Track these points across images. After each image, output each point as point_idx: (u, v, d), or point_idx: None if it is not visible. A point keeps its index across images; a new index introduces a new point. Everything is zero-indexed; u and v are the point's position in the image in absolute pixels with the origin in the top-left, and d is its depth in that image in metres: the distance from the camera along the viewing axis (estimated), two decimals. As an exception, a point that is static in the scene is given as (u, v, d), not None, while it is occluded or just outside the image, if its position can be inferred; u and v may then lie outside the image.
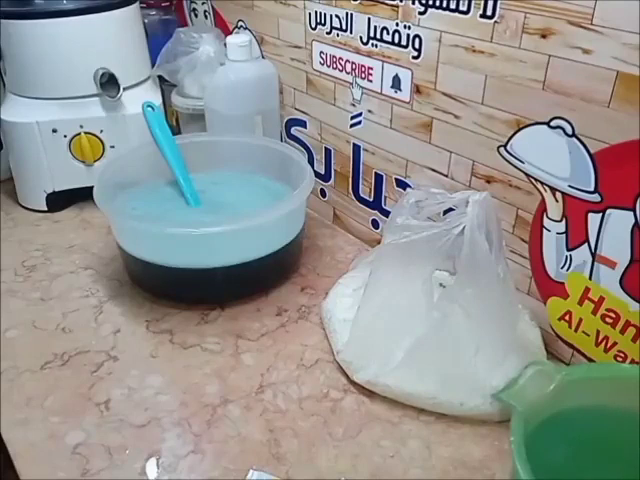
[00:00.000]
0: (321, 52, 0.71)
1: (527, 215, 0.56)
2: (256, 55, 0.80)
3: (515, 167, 0.55)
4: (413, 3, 0.58)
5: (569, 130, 0.49)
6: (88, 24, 0.76)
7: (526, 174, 0.54)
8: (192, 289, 0.65)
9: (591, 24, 0.45)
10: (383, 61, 0.64)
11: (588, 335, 0.55)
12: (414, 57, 0.60)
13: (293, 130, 0.82)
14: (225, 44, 0.75)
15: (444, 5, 0.55)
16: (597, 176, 0.49)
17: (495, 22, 0.52)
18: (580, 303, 0.54)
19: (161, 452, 0.49)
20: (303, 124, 0.80)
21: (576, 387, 0.44)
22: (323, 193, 0.82)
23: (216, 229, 0.59)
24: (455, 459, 0.49)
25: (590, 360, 0.55)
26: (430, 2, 0.56)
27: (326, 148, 0.78)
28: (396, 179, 0.69)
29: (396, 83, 0.64)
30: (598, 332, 0.54)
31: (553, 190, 0.52)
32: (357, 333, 0.56)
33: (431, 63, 0.59)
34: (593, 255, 0.51)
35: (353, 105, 0.70)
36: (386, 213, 0.72)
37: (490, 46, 0.53)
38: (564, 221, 0.53)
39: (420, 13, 0.58)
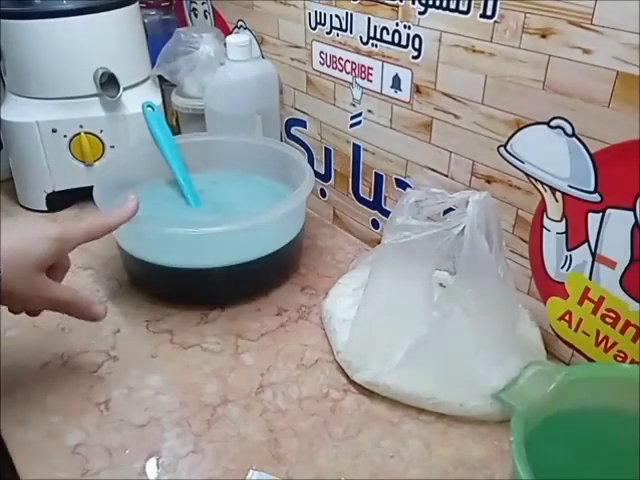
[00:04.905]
0: (321, 52, 0.71)
1: (527, 215, 0.56)
2: (256, 55, 0.80)
3: (515, 167, 0.55)
4: (413, 3, 0.58)
5: (569, 130, 0.49)
6: (88, 24, 0.76)
7: (526, 174, 0.54)
8: (192, 289, 0.65)
9: (591, 24, 0.45)
10: (383, 61, 0.64)
11: (588, 335, 0.55)
12: (414, 57, 0.60)
13: (293, 130, 0.82)
14: (225, 44, 0.75)
15: (444, 5, 0.55)
16: (597, 176, 0.49)
17: (495, 22, 0.52)
18: (580, 303, 0.54)
19: (161, 452, 0.49)
20: (303, 124, 0.80)
21: (576, 387, 0.44)
22: (323, 193, 0.82)
23: (216, 229, 0.59)
24: (455, 459, 0.49)
25: (590, 360, 0.55)
26: (430, 2, 0.56)
27: (326, 148, 0.78)
28: (396, 179, 0.69)
29: (396, 83, 0.64)
30: (598, 332, 0.54)
31: (553, 190, 0.52)
32: (357, 333, 0.56)
33: (431, 63, 0.59)
34: (593, 255, 0.51)
35: (353, 105, 0.70)
36: (386, 213, 0.72)
37: (490, 46, 0.53)
38: (564, 221, 0.53)
39: (420, 13, 0.58)
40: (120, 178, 0.70)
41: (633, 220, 0.47)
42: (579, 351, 0.56)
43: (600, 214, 0.50)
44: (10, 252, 0.45)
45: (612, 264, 0.50)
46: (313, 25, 0.70)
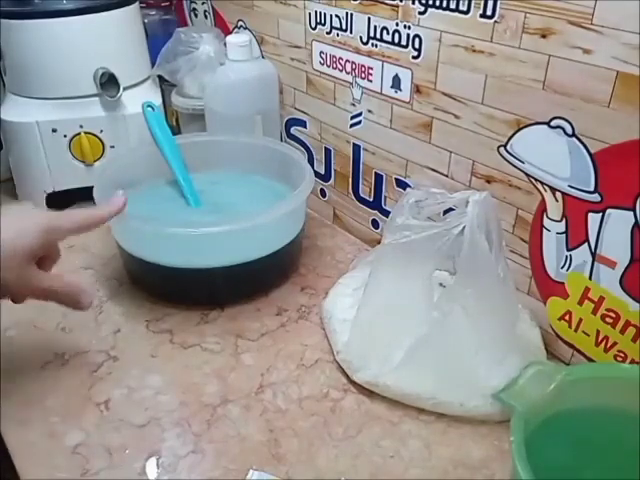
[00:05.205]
0: (321, 52, 0.71)
1: (527, 215, 0.56)
2: (256, 55, 0.80)
3: (515, 167, 0.55)
4: (413, 3, 0.58)
5: (569, 130, 0.49)
6: (88, 24, 0.76)
7: (526, 174, 0.54)
8: (192, 289, 0.65)
9: (591, 24, 0.45)
10: (383, 61, 0.64)
11: (588, 335, 0.55)
12: (414, 57, 0.60)
13: (293, 130, 0.82)
14: (225, 44, 0.75)
15: (444, 5, 0.55)
16: (597, 176, 0.49)
17: (495, 22, 0.52)
18: (580, 303, 0.54)
19: (161, 452, 0.49)
20: (303, 124, 0.80)
21: (576, 387, 0.44)
22: (323, 193, 0.82)
23: (216, 229, 0.59)
24: (455, 459, 0.49)
25: (590, 360, 0.55)
26: (430, 2, 0.56)
27: (326, 148, 0.78)
28: (396, 179, 0.69)
29: (396, 83, 0.64)
30: (598, 332, 0.54)
31: (553, 190, 0.52)
32: (357, 333, 0.56)
33: (431, 63, 0.59)
34: (593, 255, 0.51)
35: (353, 105, 0.70)
36: (386, 213, 0.72)
37: (490, 46, 0.53)
38: (564, 221, 0.53)
39: (420, 13, 0.58)
40: (120, 178, 0.70)
41: (633, 220, 0.47)
42: (579, 351, 0.56)
43: (600, 214, 0.50)
44: (2, 243, 0.45)
45: (612, 264, 0.50)
46: (313, 25, 0.70)
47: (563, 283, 0.55)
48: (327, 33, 0.69)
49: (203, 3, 0.90)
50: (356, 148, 0.73)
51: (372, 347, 0.54)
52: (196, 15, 0.94)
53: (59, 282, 0.50)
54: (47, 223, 0.48)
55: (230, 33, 0.85)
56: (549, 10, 0.47)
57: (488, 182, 0.58)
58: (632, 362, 0.52)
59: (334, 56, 0.70)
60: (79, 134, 0.78)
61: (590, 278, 0.52)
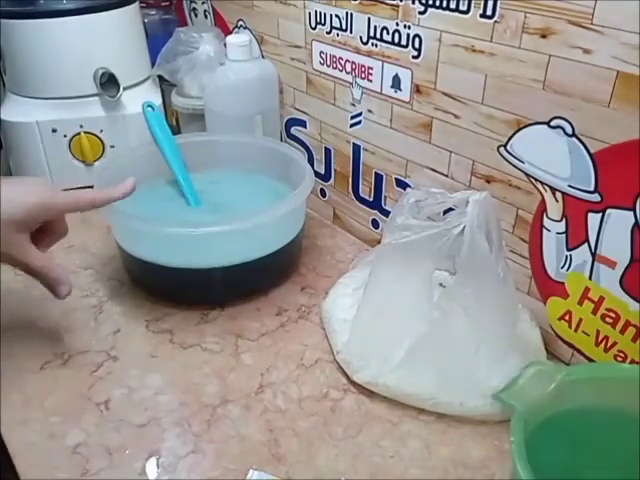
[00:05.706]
0: (321, 52, 0.71)
1: (527, 215, 0.56)
2: (256, 55, 0.80)
3: (515, 167, 0.55)
4: (413, 3, 0.58)
5: (569, 130, 0.49)
6: (88, 24, 0.76)
7: (526, 174, 0.54)
8: (192, 289, 0.65)
9: (591, 24, 0.45)
10: (383, 61, 0.64)
11: (588, 335, 0.55)
12: (414, 57, 0.60)
13: (293, 130, 0.82)
14: (225, 44, 0.75)
15: (444, 5, 0.55)
16: (597, 176, 0.49)
17: (495, 22, 0.52)
18: (580, 303, 0.54)
19: (161, 452, 0.49)
20: (303, 124, 0.80)
21: (576, 387, 0.44)
22: (323, 193, 0.82)
23: (216, 229, 0.59)
24: (455, 459, 0.49)
25: (590, 360, 0.55)
26: (430, 2, 0.56)
27: (326, 148, 0.78)
28: (396, 179, 0.69)
29: (396, 83, 0.64)
30: (598, 332, 0.54)
31: (553, 190, 0.52)
32: (357, 333, 0.56)
33: (431, 63, 0.59)
34: (593, 255, 0.51)
35: (353, 105, 0.70)
36: (386, 213, 0.72)
37: (490, 46, 0.53)
38: (564, 221, 0.53)
39: (420, 13, 0.58)
40: (120, 178, 0.70)
41: (633, 220, 0.47)
42: (579, 351, 0.56)
43: (600, 214, 0.50)
44: None
45: (612, 264, 0.50)
46: (313, 25, 0.70)
47: (563, 283, 0.55)
48: (327, 33, 0.69)
49: (203, 3, 0.90)
50: (356, 148, 0.73)
51: (372, 347, 0.54)
52: (196, 15, 0.94)
53: (41, 263, 0.51)
54: (39, 200, 0.49)
55: (230, 33, 0.85)
56: (549, 10, 0.47)
57: (488, 182, 0.58)
58: (632, 362, 0.52)
59: (334, 56, 0.70)
60: (79, 134, 0.79)
61: (590, 278, 0.52)
